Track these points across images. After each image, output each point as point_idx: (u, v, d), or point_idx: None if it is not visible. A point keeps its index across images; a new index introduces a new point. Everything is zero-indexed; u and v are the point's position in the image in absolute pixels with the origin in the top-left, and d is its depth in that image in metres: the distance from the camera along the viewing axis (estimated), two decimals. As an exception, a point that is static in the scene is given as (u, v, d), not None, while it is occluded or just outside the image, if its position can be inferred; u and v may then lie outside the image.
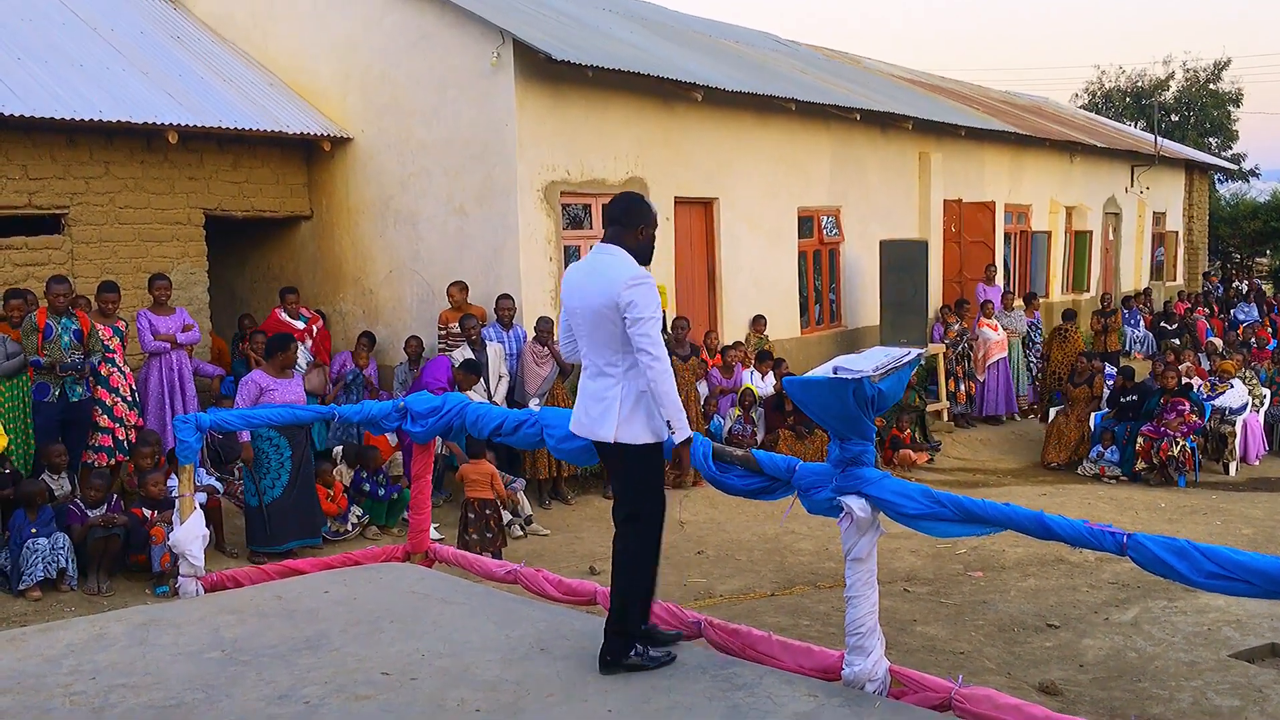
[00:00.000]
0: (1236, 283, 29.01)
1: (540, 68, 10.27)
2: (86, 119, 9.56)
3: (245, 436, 8.05)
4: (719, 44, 16.58)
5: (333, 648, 4.56)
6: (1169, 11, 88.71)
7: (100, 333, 8.44)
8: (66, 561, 7.17)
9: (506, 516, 8.96)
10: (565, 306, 4.37)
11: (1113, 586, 7.30)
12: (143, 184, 10.42)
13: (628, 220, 4.25)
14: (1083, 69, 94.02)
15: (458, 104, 10.74)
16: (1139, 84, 41.29)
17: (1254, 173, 41.69)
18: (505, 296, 10.33)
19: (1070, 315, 15.96)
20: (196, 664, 4.40)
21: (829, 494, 4.09)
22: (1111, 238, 23.16)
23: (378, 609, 5.08)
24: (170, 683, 4.21)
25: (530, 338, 10.18)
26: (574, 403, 4.45)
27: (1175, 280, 26.72)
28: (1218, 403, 12.98)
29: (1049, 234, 20.18)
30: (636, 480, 4.21)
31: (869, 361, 4.01)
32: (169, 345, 9.14)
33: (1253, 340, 17.39)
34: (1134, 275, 24.14)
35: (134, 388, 8.80)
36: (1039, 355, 15.63)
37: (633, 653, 4.20)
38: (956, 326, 14.66)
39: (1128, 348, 19.00)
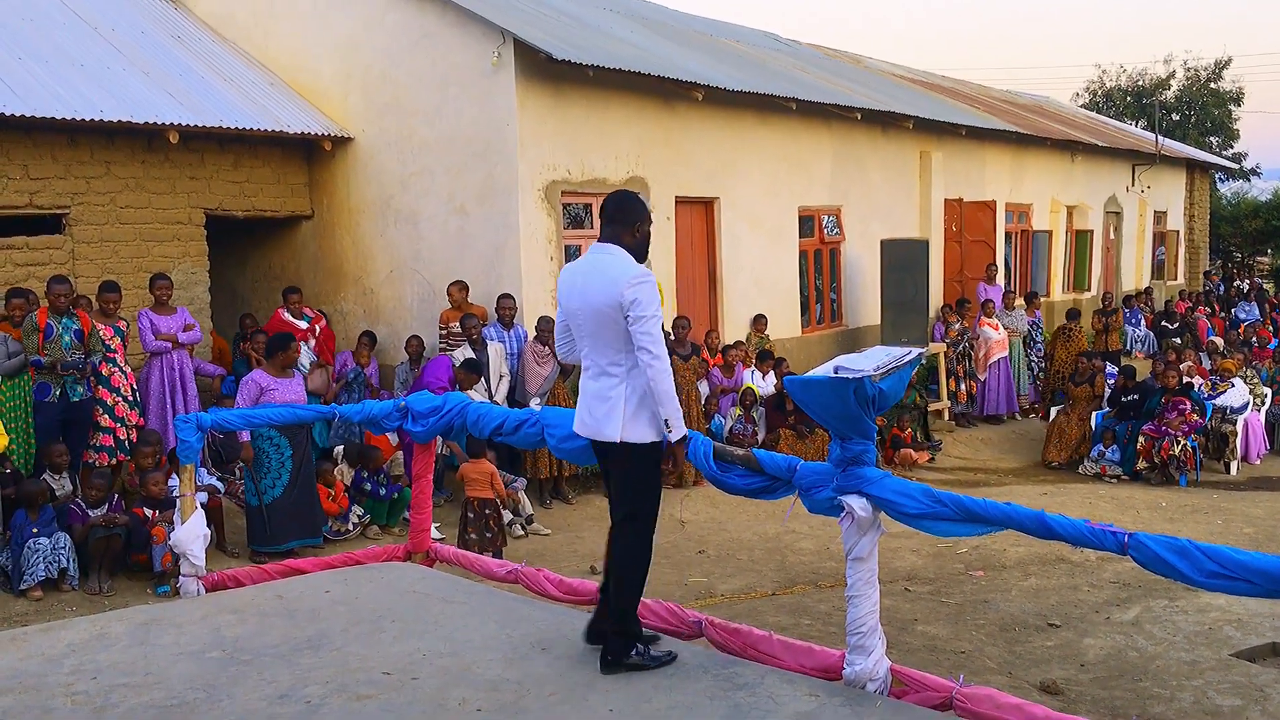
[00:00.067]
0: (1238, 281, 29.00)
1: (541, 67, 10.27)
2: (87, 119, 9.56)
3: (245, 436, 8.05)
4: (720, 43, 16.57)
5: (334, 647, 4.56)
6: (1170, 11, 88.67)
7: (101, 332, 8.45)
8: (68, 561, 7.17)
9: (507, 516, 8.96)
10: (563, 307, 4.36)
11: (1114, 586, 7.30)
12: (144, 184, 10.43)
13: (623, 218, 4.25)
14: (1084, 68, 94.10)
15: (459, 103, 10.73)
16: (1140, 83, 41.27)
17: (1255, 171, 41.68)
18: (506, 296, 10.33)
19: (1075, 314, 15.96)
20: (198, 663, 4.40)
21: (830, 493, 4.09)
22: (1112, 237, 23.15)
23: (379, 608, 5.08)
24: (171, 682, 4.21)
25: (531, 337, 10.18)
26: (575, 402, 4.45)
27: (1176, 279, 26.71)
28: (1219, 402, 12.98)
29: (1050, 233, 20.17)
30: (637, 480, 4.22)
31: (870, 361, 4.01)
32: (170, 345, 9.14)
33: (1254, 339, 17.37)
34: (1135, 274, 24.13)
35: (135, 387, 8.80)
36: (1040, 354, 15.63)
37: (634, 652, 4.20)
38: (957, 326, 14.66)
39: (1129, 347, 19.00)
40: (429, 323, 10.92)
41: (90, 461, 8.32)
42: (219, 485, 8.67)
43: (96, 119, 9.63)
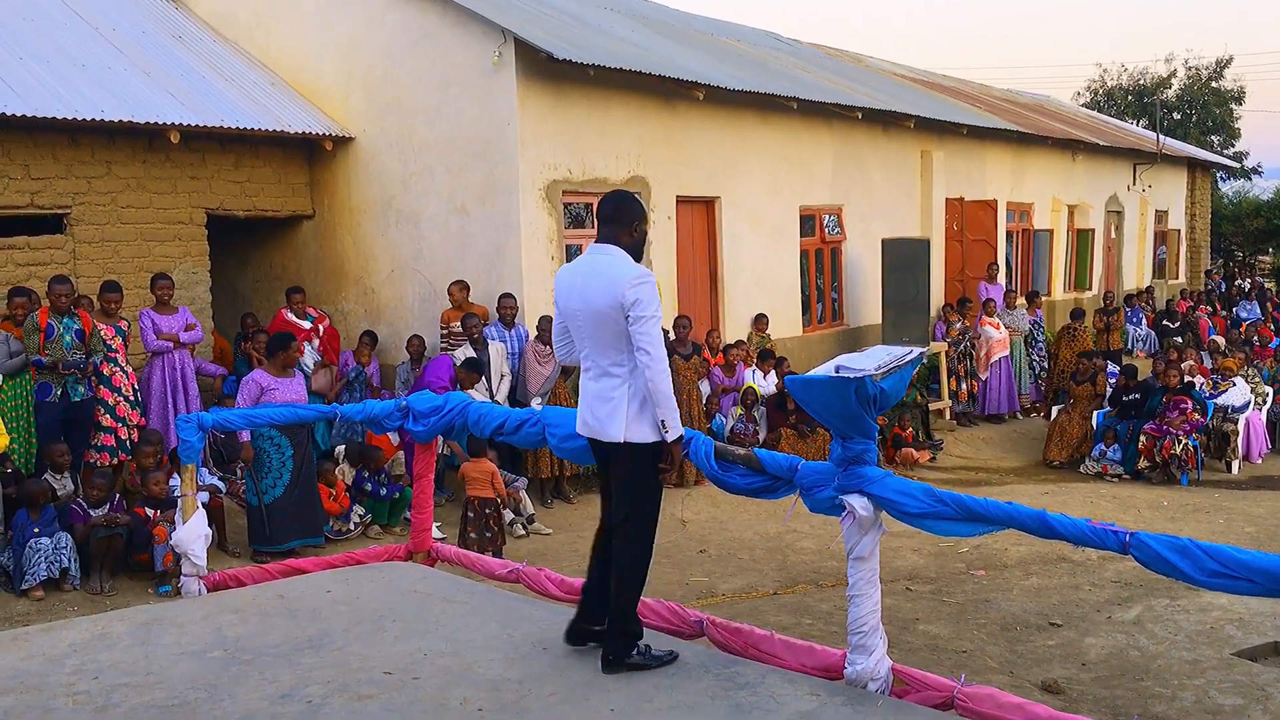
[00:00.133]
0: (1239, 280, 28.99)
1: (542, 67, 10.27)
2: (88, 119, 9.57)
3: (246, 436, 8.05)
4: (720, 43, 16.57)
5: (335, 647, 4.56)
6: (1171, 9, 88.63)
7: (102, 332, 8.45)
8: (69, 561, 7.17)
9: (508, 515, 8.96)
10: (561, 309, 4.34)
11: (1115, 585, 7.29)
12: (145, 183, 10.43)
13: (621, 218, 4.25)
14: (1085, 67, 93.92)
15: (460, 103, 10.74)
16: (1141, 82, 41.27)
17: (1256, 170, 41.68)
18: (507, 295, 10.33)
19: (1079, 314, 15.97)
20: (199, 663, 4.40)
21: (831, 493, 4.09)
22: (1114, 236, 23.14)
23: (380, 608, 5.08)
24: (173, 682, 4.21)
25: (532, 337, 10.18)
26: (576, 402, 4.45)
27: (1177, 278, 26.71)
28: (1220, 401, 12.97)
29: (1051, 232, 20.17)
30: (639, 480, 4.21)
31: (871, 360, 4.00)
32: (171, 344, 9.15)
33: (1255, 338, 17.36)
34: (1136, 273, 24.12)
35: (136, 387, 8.80)
36: (1041, 354, 15.62)
37: (635, 652, 4.20)
38: (958, 325, 14.66)
39: (1130, 346, 19.00)
40: (430, 322, 10.92)
41: (92, 461, 8.32)
42: (220, 485, 8.68)
43: (97, 119, 9.63)
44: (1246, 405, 13.10)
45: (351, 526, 8.83)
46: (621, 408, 4.13)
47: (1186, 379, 13.05)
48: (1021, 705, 3.83)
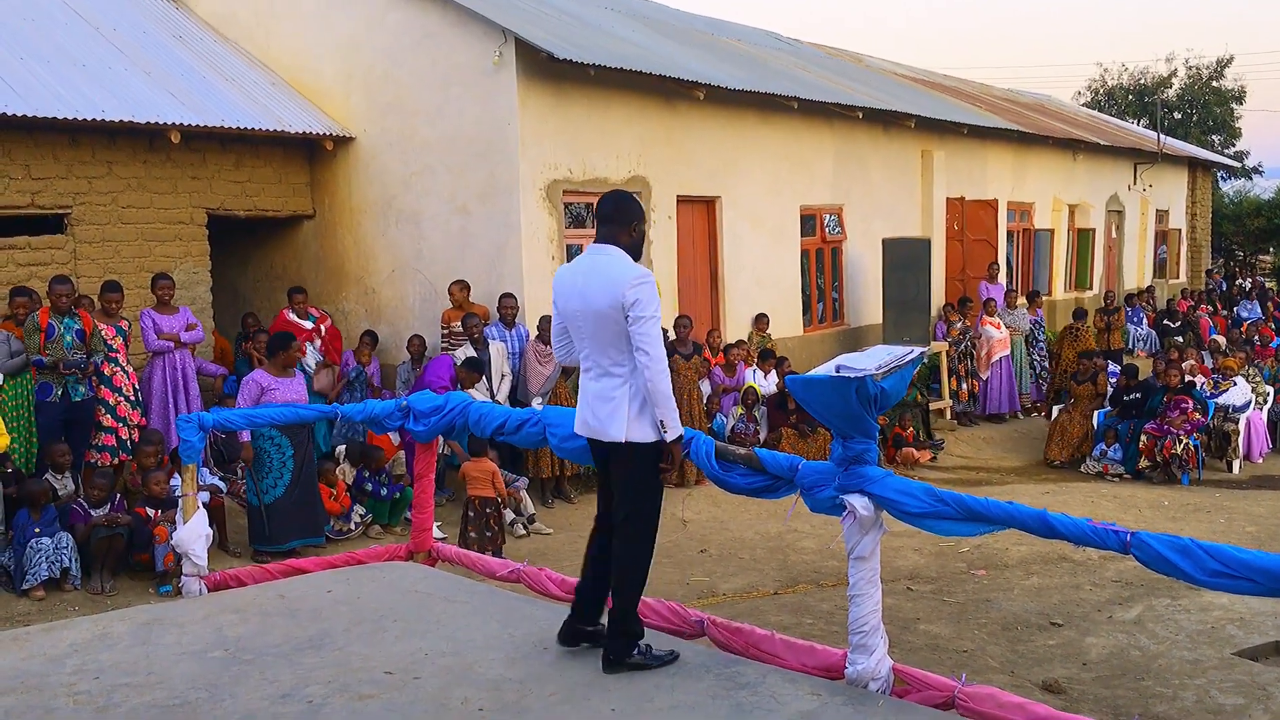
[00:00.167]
0: (1240, 280, 28.98)
1: (542, 66, 10.27)
2: (89, 119, 9.57)
3: (245, 436, 8.05)
4: (721, 42, 16.57)
5: (336, 647, 4.56)
6: (1171, 9, 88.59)
7: (103, 332, 8.45)
8: (70, 561, 7.18)
9: (509, 515, 8.96)
10: (560, 309, 4.34)
11: (1116, 585, 7.29)
12: (145, 183, 10.43)
13: (619, 218, 4.25)
14: (1085, 67, 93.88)
15: (460, 103, 10.74)
16: (1142, 81, 41.26)
17: (1257, 170, 41.64)
18: (508, 295, 10.33)
19: (1081, 314, 15.97)
20: (200, 663, 4.41)
21: (832, 492, 4.09)
22: (1114, 235, 23.14)
23: (381, 608, 5.08)
24: (174, 682, 4.21)
25: (533, 336, 10.18)
26: (576, 402, 4.44)
27: (1178, 278, 26.69)
28: (1221, 400, 12.96)
29: (1052, 232, 20.16)
30: (640, 480, 4.21)
31: (872, 360, 4.00)
32: (173, 344, 9.16)
33: (1256, 338, 17.35)
34: (1137, 273, 24.12)
35: (137, 387, 8.81)
36: (1042, 353, 15.62)
37: (635, 652, 4.20)
38: (959, 325, 14.66)
39: (1131, 345, 18.99)
40: (431, 322, 10.92)
41: (92, 461, 8.32)
42: (221, 485, 8.68)
43: (98, 119, 9.63)
44: (1247, 405, 13.09)
45: (352, 526, 8.83)
46: (623, 407, 4.13)
47: (1187, 378, 13.05)
48: (1022, 705, 3.83)
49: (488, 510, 8.08)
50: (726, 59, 14.71)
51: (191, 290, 10.65)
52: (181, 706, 3.98)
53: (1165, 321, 20.07)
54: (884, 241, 14.65)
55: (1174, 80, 41.11)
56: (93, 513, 7.40)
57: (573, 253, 10.89)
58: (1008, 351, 14.79)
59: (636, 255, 4.26)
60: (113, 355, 8.54)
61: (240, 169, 11.20)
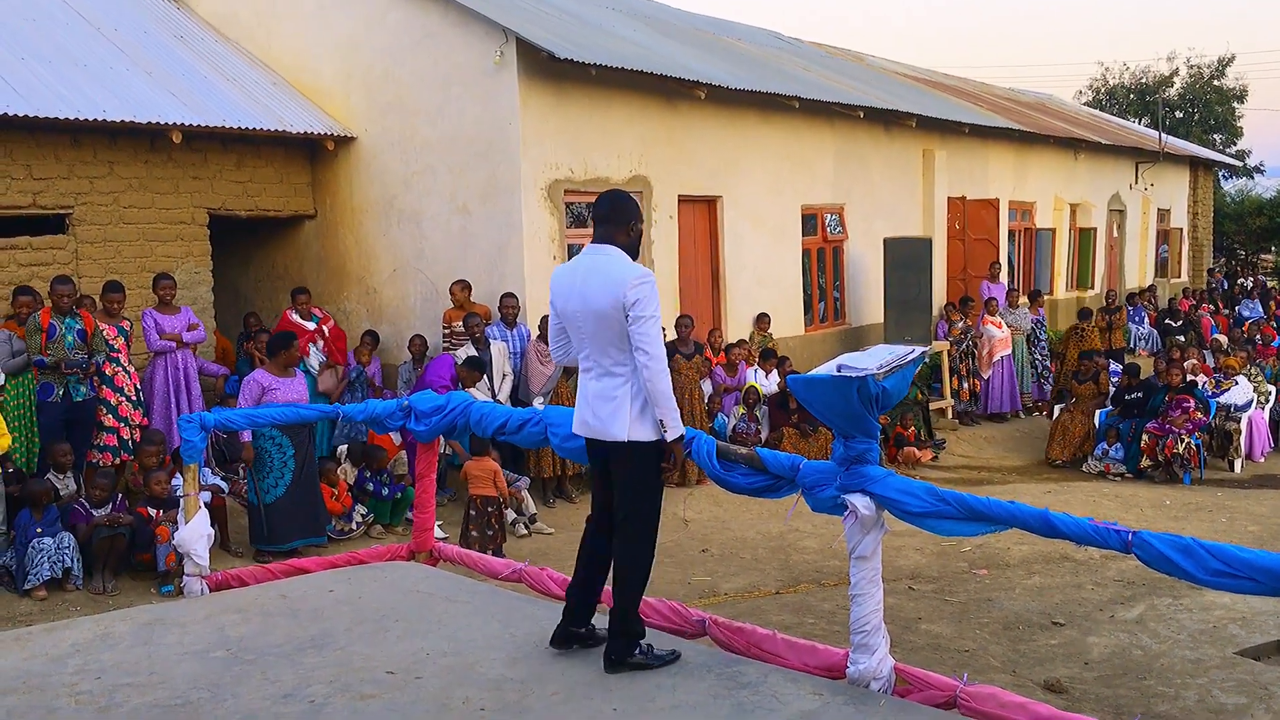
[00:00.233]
0: (1241, 279, 28.96)
1: (543, 66, 10.27)
2: (90, 119, 9.57)
3: (246, 436, 8.05)
4: (722, 42, 16.57)
5: (337, 647, 4.56)
6: (1173, 8, 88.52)
7: (105, 332, 8.46)
8: (72, 561, 7.18)
9: (510, 515, 8.96)
10: (558, 310, 4.32)
11: (1118, 584, 7.29)
12: (147, 184, 10.43)
13: (617, 218, 4.24)
14: (1087, 66, 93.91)
15: (461, 102, 10.74)
16: (1143, 80, 41.25)
17: (1259, 169, 41.62)
18: (509, 295, 10.33)
19: (1086, 314, 15.96)
20: (201, 663, 4.41)
21: (833, 492, 4.08)
22: (1116, 234, 23.13)
23: (382, 608, 5.08)
24: (175, 682, 4.21)
25: (534, 336, 10.17)
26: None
27: (1180, 277, 26.69)
28: (1223, 400, 12.95)
29: (1053, 231, 20.15)
30: (641, 479, 4.21)
31: (873, 359, 4.00)
32: (174, 344, 9.16)
33: (1258, 337, 17.34)
34: (1138, 272, 24.11)
35: (139, 387, 8.81)
36: (1044, 352, 15.61)
37: (637, 651, 4.20)
38: (961, 324, 14.65)
39: (1132, 345, 18.98)
40: (432, 322, 10.92)
41: (94, 461, 8.33)
42: (223, 485, 8.68)
43: (99, 119, 9.64)
44: (1249, 404, 13.08)
45: (354, 526, 8.84)
46: (624, 407, 4.13)
47: (1189, 378, 13.04)
48: (1024, 704, 3.83)
49: (489, 509, 8.09)
50: (727, 58, 14.71)
51: (193, 290, 10.66)
52: (183, 706, 3.98)
53: (1167, 321, 20.06)
54: (885, 241, 14.64)
55: (1175, 79, 41.10)
56: (94, 513, 7.41)
57: (574, 252, 10.89)
58: (1009, 351, 14.78)
59: (634, 255, 4.26)
60: (114, 355, 8.54)
61: (241, 169, 11.21)
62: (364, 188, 11.62)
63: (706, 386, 11.41)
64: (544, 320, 9.97)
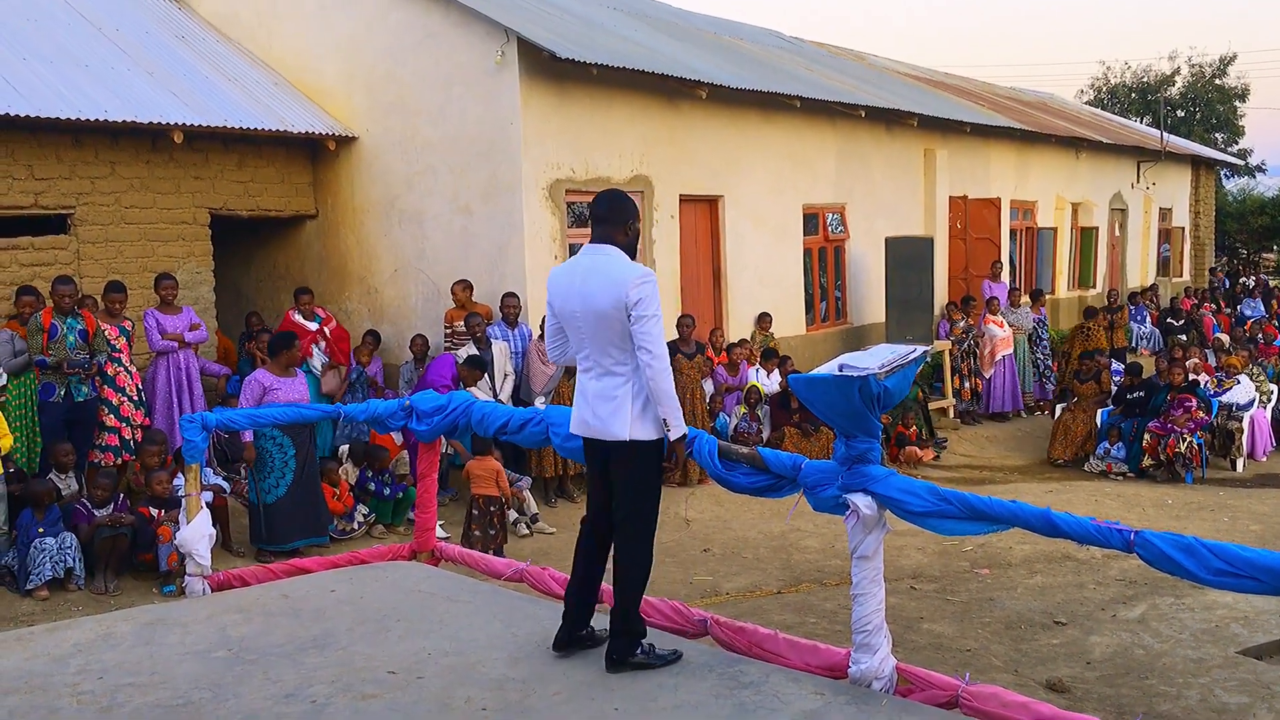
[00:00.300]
0: (1243, 278, 28.94)
1: (545, 66, 10.27)
2: (92, 119, 9.58)
3: (248, 436, 8.05)
4: (723, 41, 16.56)
5: (339, 646, 4.57)
6: (1174, 7, 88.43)
7: (106, 332, 8.46)
8: (74, 561, 7.18)
9: (512, 515, 8.96)
10: (557, 310, 4.31)
11: (1120, 583, 7.28)
12: (148, 184, 10.44)
13: (615, 217, 4.24)
14: (1088, 65, 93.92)
15: (463, 102, 10.74)
16: (1145, 80, 41.24)
17: (1260, 168, 41.60)
18: (510, 295, 10.33)
19: (1092, 313, 15.94)
20: (203, 663, 4.41)
21: (835, 491, 4.08)
22: (1118, 234, 23.11)
23: (384, 608, 5.08)
24: (177, 682, 4.21)
25: (536, 336, 10.17)
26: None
27: (1182, 276, 26.67)
28: (1225, 399, 12.94)
29: (1055, 230, 20.15)
30: (641, 479, 4.21)
31: (875, 359, 4.00)
32: (177, 344, 9.17)
33: (1259, 336, 17.33)
34: (1140, 271, 24.10)
35: (140, 387, 8.82)
36: (1046, 352, 15.61)
37: (639, 651, 4.20)
38: (962, 323, 14.64)
39: (1134, 344, 18.97)
40: (434, 322, 10.92)
41: (96, 461, 8.33)
42: (224, 485, 8.68)
43: (101, 119, 9.64)
44: (1251, 403, 13.08)
45: (355, 526, 8.84)
46: (625, 406, 4.13)
47: (1191, 377, 13.03)
48: (1026, 704, 3.83)
49: (492, 509, 8.09)
50: (729, 58, 14.71)
51: (194, 290, 10.66)
52: (185, 706, 3.98)
53: (1169, 320, 20.05)
54: (887, 240, 14.64)
55: (1177, 78, 41.09)
56: (96, 513, 7.41)
57: (576, 252, 10.87)
58: (1011, 350, 14.78)
59: (633, 254, 4.26)
60: (116, 355, 8.55)
61: (243, 169, 11.21)
62: (365, 188, 11.62)
63: (708, 386, 11.41)
64: (545, 320, 9.97)
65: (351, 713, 3.90)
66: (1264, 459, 13.01)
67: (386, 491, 9.07)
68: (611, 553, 4.36)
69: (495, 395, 9.76)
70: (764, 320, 13.19)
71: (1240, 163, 37.06)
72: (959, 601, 6.97)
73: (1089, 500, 10.57)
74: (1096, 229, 21.69)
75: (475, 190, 10.76)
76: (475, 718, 3.84)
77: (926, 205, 16.45)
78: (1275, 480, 12.18)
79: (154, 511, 7.58)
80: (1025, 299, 16.06)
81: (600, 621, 4.39)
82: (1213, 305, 22.00)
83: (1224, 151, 35.72)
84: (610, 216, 4.24)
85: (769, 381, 11.94)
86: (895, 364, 3.96)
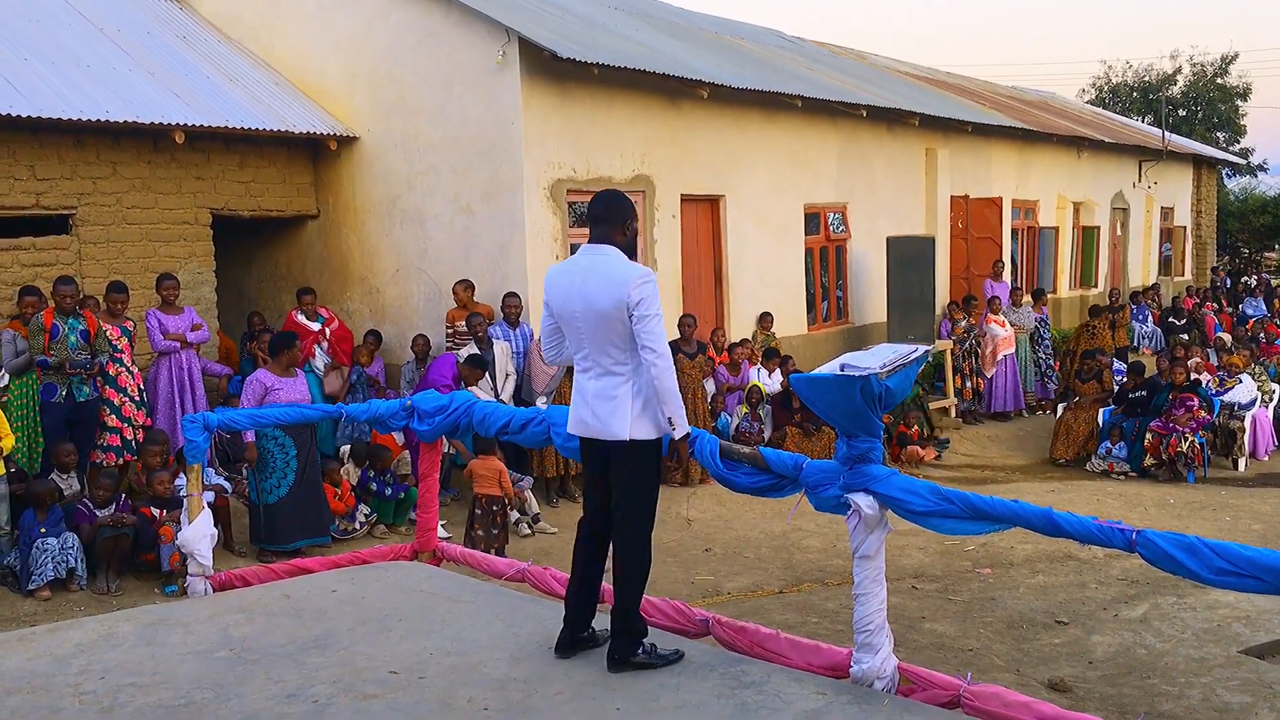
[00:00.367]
0: (1245, 277, 28.92)
1: (546, 65, 10.27)
2: (93, 119, 9.58)
3: (250, 436, 8.05)
4: (725, 41, 16.56)
5: (341, 646, 4.57)
6: (1176, 6, 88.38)
7: (108, 333, 8.47)
8: (76, 561, 7.19)
9: (513, 515, 8.96)
10: (555, 310, 4.31)
11: (1122, 583, 7.28)
12: (150, 184, 10.44)
13: (613, 218, 4.24)
14: (1090, 64, 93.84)
15: (464, 102, 10.74)
16: (1146, 79, 41.21)
17: (1262, 167, 41.56)
18: (512, 295, 10.33)
19: (1097, 311, 15.94)
20: (205, 663, 4.41)
21: (837, 491, 4.08)
22: (1119, 233, 23.11)
23: (386, 608, 5.08)
24: (179, 682, 4.21)
25: (537, 336, 10.15)
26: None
27: (1183, 275, 26.65)
28: (1226, 398, 12.94)
29: (1056, 229, 20.14)
30: (640, 478, 4.22)
31: (876, 358, 4.00)
32: (179, 344, 9.17)
33: (1261, 335, 17.32)
34: (1142, 270, 24.08)
35: (142, 387, 8.82)
36: (1048, 351, 15.60)
37: (640, 651, 4.20)
38: (964, 323, 14.64)
39: (1136, 343, 18.97)
40: (435, 322, 10.92)
41: (98, 461, 8.34)
42: (226, 485, 8.69)
43: (103, 119, 9.65)
44: (1253, 402, 13.07)
45: (357, 526, 8.84)
46: (625, 405, 4.13)
47: (1193, 376, 13.02)
48: (1028, 704, 3.83)
49: (495, 508, 8.09)
50: (730, 58, 14.70)
51: (196, 290, 10.66)
52: (187, 706, 3.98)
53: (1170, 319, 20.04)
54: (888, 240, 14.64)
55: (1178, 77, 41.06)
56: (98, 513, 7.42)
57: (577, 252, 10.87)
58: (1012, 350, 14.78)
59: (631, 254, 4.26)
60: (118, 355, 8.55)
61: (244, 169, 11.21)
62: (367, 188, 11.62)
63: (710, 386, 11.41)
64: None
65: (353, 713, 3.90)
66: (1266, 458, 13.00)
67: (388, 491, 9.07)
68: (611, 552, 4.35)
69: (497, 395, 9.76)
70: (765, 320, 13.18)
71: (1242, 162, 37.04)
72: (961, 601, 6.97)
73: (1091, 500, 10.57)
74: (1098, 228, 21.68)
75: (477, 190, 10.76)
76: (477, 718, 3.85)
77: (928, 205, 16.45)
78: (1277, 479, 12.17)
79: (156, 512, 7.59)
80: (1027, 298, 16.05)
81: (601, 622, 4.39)
82: (1214, 304, 21.98)
83: (1226, 151, 35.69)
84: (608, 216, 4.24)
85: (770, 381, 11.94)
86: (897, 364, 3.96)
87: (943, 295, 15.77)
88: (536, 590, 5.67)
